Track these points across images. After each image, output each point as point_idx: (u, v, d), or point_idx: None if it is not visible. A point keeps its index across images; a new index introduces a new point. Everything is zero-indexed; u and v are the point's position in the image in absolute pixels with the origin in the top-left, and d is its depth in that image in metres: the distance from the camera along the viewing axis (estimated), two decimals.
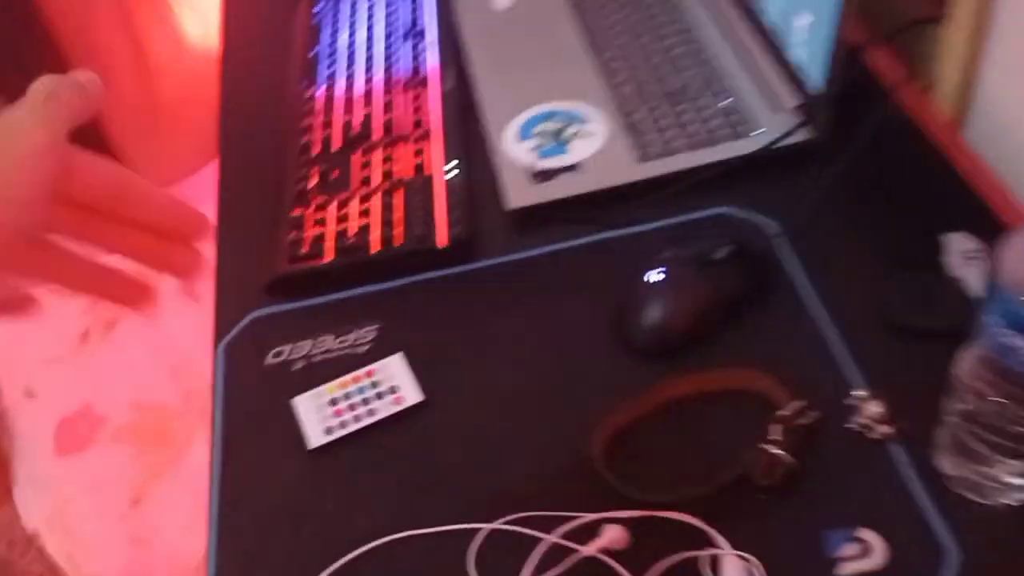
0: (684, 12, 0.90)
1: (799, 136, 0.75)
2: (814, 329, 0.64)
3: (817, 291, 0.66)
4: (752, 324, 0.65)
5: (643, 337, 0.64)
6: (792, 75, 0.77)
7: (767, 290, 0.67)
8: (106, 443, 0.98)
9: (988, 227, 0.65)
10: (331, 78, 0.90)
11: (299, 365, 0.69)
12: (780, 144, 0.75)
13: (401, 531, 0.58)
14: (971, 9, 0.67)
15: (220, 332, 0.72)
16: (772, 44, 0.80)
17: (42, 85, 0.38)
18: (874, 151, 0.71)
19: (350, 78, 0.89)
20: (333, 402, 0.65)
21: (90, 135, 1.14)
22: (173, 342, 1.06)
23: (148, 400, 1.01)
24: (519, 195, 0.76)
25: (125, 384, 1.04)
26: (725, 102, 0.79)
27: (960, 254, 0.64)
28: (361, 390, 0.66)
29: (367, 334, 0.70)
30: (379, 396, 0.65)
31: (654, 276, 0.65)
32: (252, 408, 0.67)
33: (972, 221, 0.67)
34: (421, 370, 0.66)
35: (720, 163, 0.75)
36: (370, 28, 0.95)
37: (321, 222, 0.75)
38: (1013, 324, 0.45)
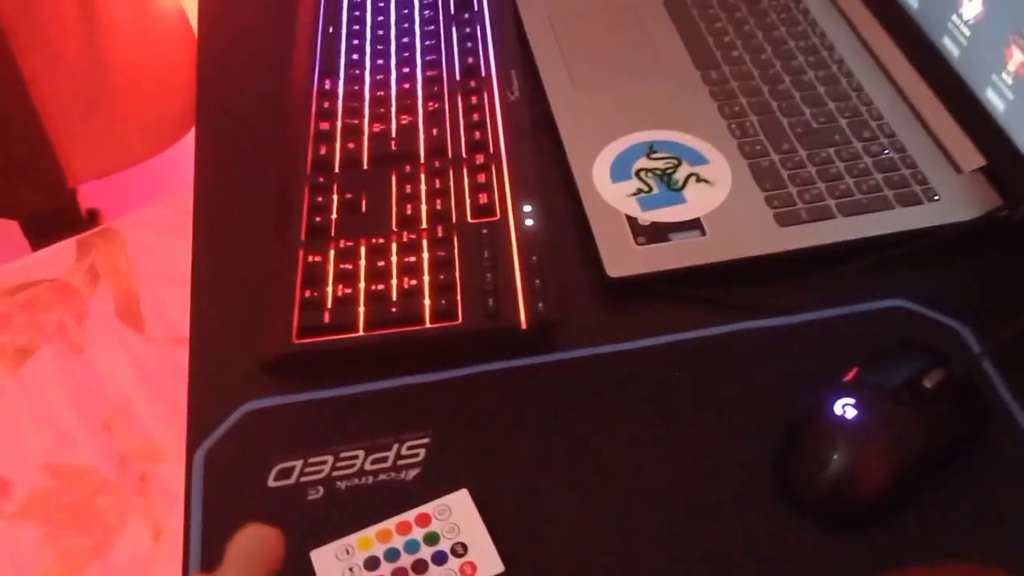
0: (815, 21, 0.71)
1: (993, 212, 0.57)
2: None
3: None
4: (959, 477, 0.47)
5: (827, 496, 0.45)
6: (981, 128, 0.59)
7: (985, 428, 0.49)
8: (9, 520, 0.74)
9: None
10: (355, 67, 0.67)
11: (316, 493, 0.47)
12: (970, 223, 0.56)
13: None
14: None
15: (195, 429, 0.50)
16: (952, 83, 0.62)
17: (242, 548, 0.37)
18: None
19: (381, 70, 0.67)
20: (371, 564, 0.44)
21: (20, 107, 0.91)
22: (104, 385, 0.82)
23: (68, 463, 0.78)
24: (620, 260, 0.56)
25: (37, 438, 0.80)
26: (885, 153, 0.61)
27: None
28: (412, 546, 0.45)
29: (414, 451, 0.49)
30: (438, 559, 0.44)
31: (842, 409, 0.46)
32: None
33: None
34: (494, 516, 0.46)
35: (888, 239, 0.56)
36: (405, 2, 0.73)
37: (348, 277, 0.54)
38: None
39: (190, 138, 0.99)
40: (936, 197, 0.58)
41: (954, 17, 0.61)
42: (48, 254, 0.95)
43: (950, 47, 0.62)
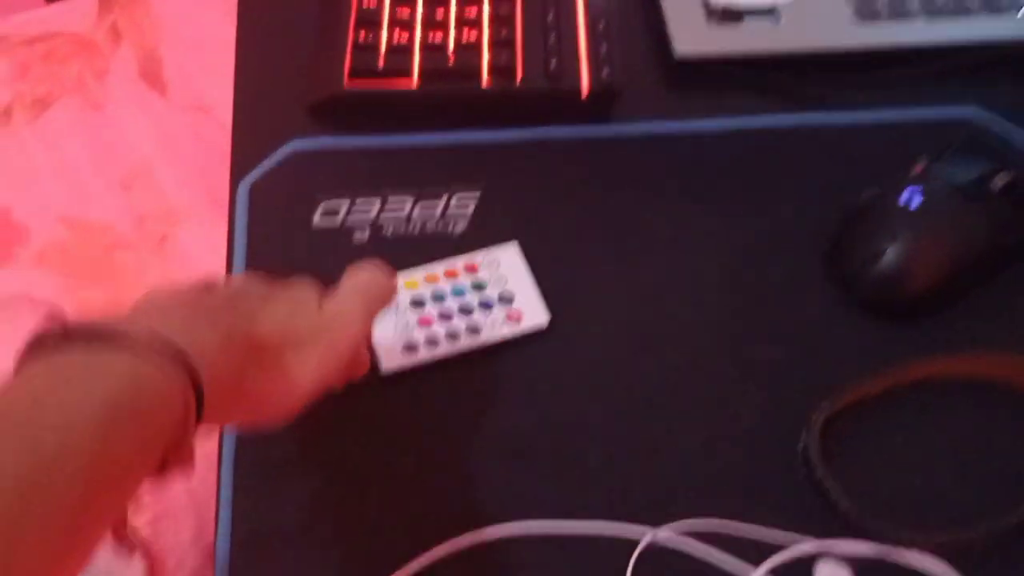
0: None
1: None
2: None
3: None
4: (1019, 285, 0.46)
5: (881, 285, 0.45)
6: None
7: None
8: (26, 264, 0.74)
9: None
10: None
11: (363, 234, 0.46)
12: None
13: (517, 519, 0.39)
14: None
15: (240, 164, 0.49)
16: None
17: (359, 280, 0.37)
18: None
19: None
20: (417, 303, 0.44)
21: None
22: (124, 145, 0.80)
23: (86, 217, 0.76)
24: (689, 39, 0.53)
25: (56, 189, 0.79)
26: None
27: None
28: (458, 291, 0.44)
29: (464, 203, 0.48)
30: (485, 305, 0.44)
31: (909, 199, 0.45)
32: None
33: None
34: (543, 273, 0.45)
35: (972, 47, 0.54)
36: None
37: (405, 24, 0.51)
38: None
39: None
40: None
41: None
42: (68, 7, 0.91)
43: None
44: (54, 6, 0.92)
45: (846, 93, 0.53)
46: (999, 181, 0.46)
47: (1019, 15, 0.55)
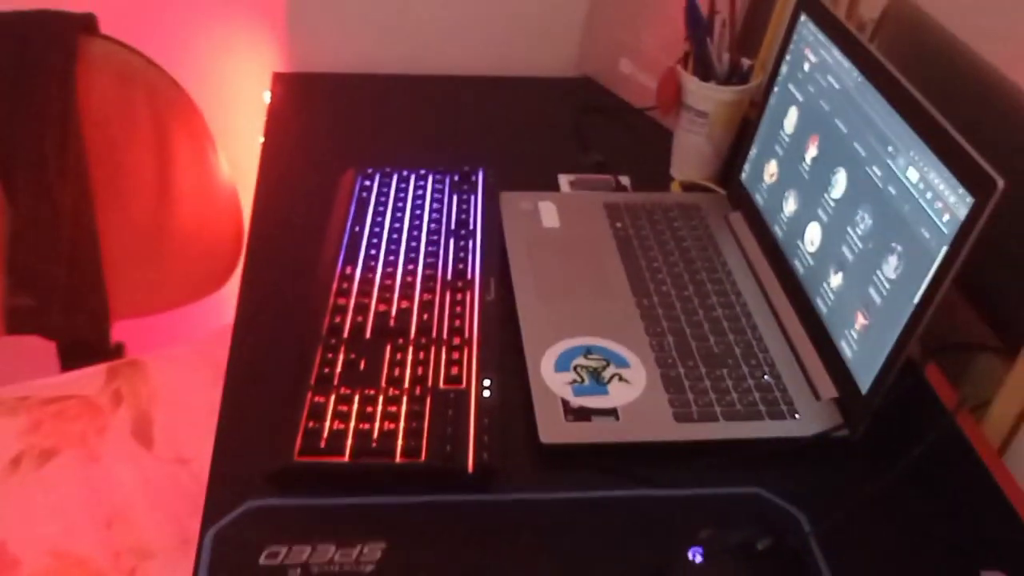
0: (730, 271, 0.91)
1: (837, 433, 0.75)
2: None
3: None
4: None
5: None
6: (837, 368, 0.78)
7: None
8: None
9: None
10: (371, 260, 0.87)
11: (295, 573, 0.62)
12: (820, 438, 0.74)
13: None
14: None
15: (209, 516, 0.65)
16: (820, 331, 0.82)
17: None
18: (920, 464, 0.71)
19: (391, 264, 0.87)
20: None
21: (89, 252, 1.10)
22: (112, 490, 0.97)
23: (71, 550, 0.91)
24: (552, 430, 0.73)
25: (48, 526, 0.94)
26: (764, 378, 0.79)
27: None
28: None
29: (372, 552, 0.64)
30: None
31: (692, 556, 0.62)
32: None
33: (1013, 559, 0.66)
34: None
35: (755, 442, 0.74)
36: (417, 215, 0.94)
37: (344, 416, 0.71)
38: None
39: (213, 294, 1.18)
40: (797, 415, 0.76)
41: (825, 285, 0.82)
42: (81, 374, 1.12)
43: (821, 305, 0.82)
44: (71, 374, 1.13)
45: (667, 474, 0.72)
46: (762, 544, 0.63)
47: (791, 420, 0.76)
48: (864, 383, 0.74)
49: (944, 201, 0.67)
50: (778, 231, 0.91)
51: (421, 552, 0.65)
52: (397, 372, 0.75)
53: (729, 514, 0.69)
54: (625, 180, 1.06)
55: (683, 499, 0.71)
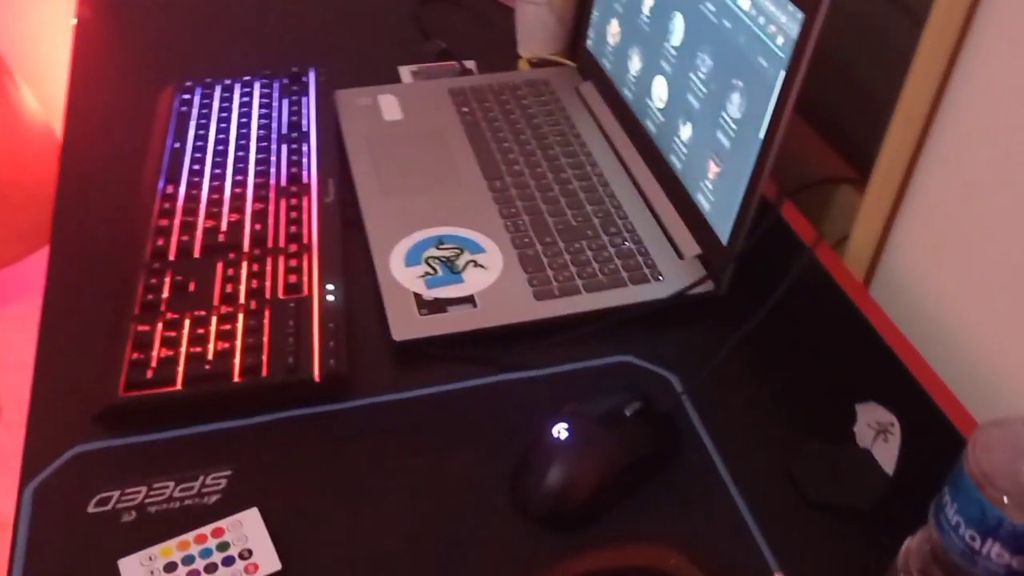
0: (584, 143, 0.87)
1: (702, 287, 0.72)
2: (724, 499, 0.59)
3: (724, 458, 0.62)
4: (658, 491, 0.59)
5: (544, 503, 0.57)
6: (697, 223, 0.75)
7: (675, 454, 0.62)
8: None
9: (903, 396, 0.63)
10: (195, 176, 0.80)
11: (130, 516, 0.56)
12: (683, 295, 0.71)
13: None
14: (891, 169, 0.67)
15: (29, 469, 0.59)
16: (677, 189, 0.78)
17: None
18: (783, 308, 0.69)
19: (218, 178, 0.80)
20: (170, 567, 0.53)
21: None
22: None
23: None
24: (405, 327, 0.68)
25: None
26: (625, 244, 0.76)
27: (871, 425, 0.62)
28: (206, 552, 0.54)
29: (217, 481, 0.59)
30: (227, 562, 0.54)
31: (557, 432, 0.58)
32: (64, 568, 0.54)
33: (886, 388, 0.65)
34: (280, 530, 0.56)
35: (620, 309, 0.70)
36: (244, 124, 0.86)
37: (172, 342, 0.64)
38: (975, 523, 0.41)
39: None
40: (660, 277, 0.73)
41: (676, 139, 0.78)
42: None
43: (675, 161, 0.78)
44: None
45: (533, 356, 0.68)
46: (629, 409, 0.60)
47: (656, 282, 0.72)
48: (723, 233, 0.71)
49: (776, 23, 0.63)
50: (628, 93, 0.87)
51: (271, 474, 0.60)
52: (230, 288, 0.69)
53: (599, 387, 0.66)
54: (471, 65, 0.99)
55: (550, 378, 0.67)
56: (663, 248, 0.76)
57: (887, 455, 0.60)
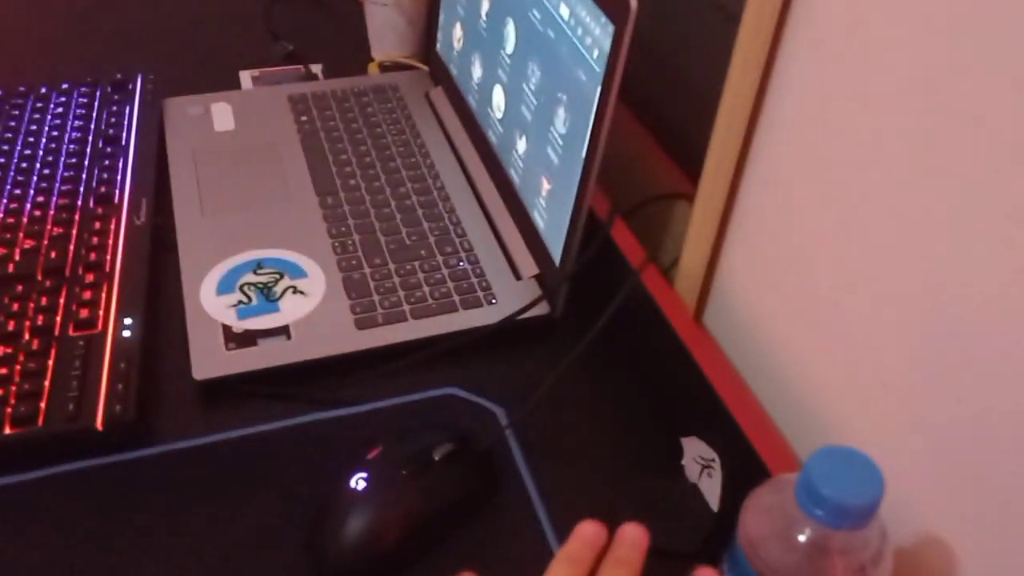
0: (428, 154, 0.82)
1: (536, 311, 0.68)
2: (539, 544, 0.55)
3: (544, 498, 0.58)
4: (470, 536, 0.55)
5: (339, 560, 0.52)
6: (534, 242, 0.71)
7: (490, 497, 0.57)
8: None
9: (726, 431, 0.60)
10: None
11: None
12: (515, 319, 0.67)
13: None
14: (715, 187, 0.64)
15: None
16: (517, 205, 0.74)
17: None
18: (614, 336, 0.65)
19: (17, 200, 0.73)
20: None
21: None
22: None
23: None
24: (207, 364, 0.62)
25: None
26: (460, 265, 0.71)
27: (696, 460, 0.58)
28: None
29: None
30: None
31: (355, 482, 0.54)
32: None
33: (710, 423, 0.61)
34: None
35: (447, 337, 0.66)
36: (55, 138, 0.79)
37: None
38: None
39: None
40: (494, 300, 0.69)
41: (514, 153, 0.74)
42: None
43: (514, 176, 0.74)
44: None
45: (352, 391, 0.63)
46: (440, 452, 0.56)
47: (488, 306, 0.68)
48: (556, 253, 0.67)
49: (592, 35, 0.59)
50: (472, 101, 0.82)
51: (44, 538, 0.54)
52: (12, 326, 0.63)
53: (419, 424, 0.61)
54: (317, 68, 0.94)
55: (368, 415, 0.62)
56: (500, 269, 0.71)
57: (712, 491, 0.57)
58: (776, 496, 0.38)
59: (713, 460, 0.57)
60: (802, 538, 0.36)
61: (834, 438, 0.57)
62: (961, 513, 0.49)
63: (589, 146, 0.60)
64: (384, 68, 0.94)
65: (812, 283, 0.58)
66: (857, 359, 0.55)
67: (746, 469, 0.57)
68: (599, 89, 0.58)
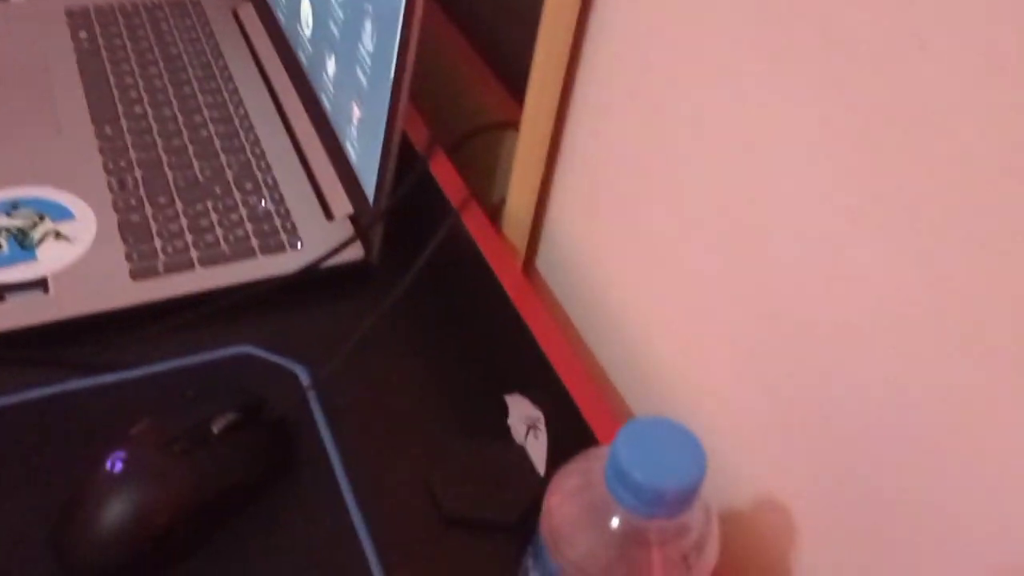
0: (232, 78, 0.72)
1: (349, 255, 0.60)
2: (340, 523, 0.48)
3: (351, 469, 0.50)
4: (258, 521, 0.47)
5: (90, 557, 0.44)
6: (348, 177, 0.63)
7: (284, 471, 0.50)
8: None
9: (550, 387, 0.54)
10: None
11: None
12: (322, 265, 0.59)
13: None
14: (539, 115, 0.56)
15: None
16: (330, 135, 0.65)
17: None
18: (435, 284, 0.58)
19: None
20: None
21: None
22: None
23: None
24: None
25: None
26: (262, 205, 0.62)
27: (522, 420, 0.52)
28: None
29: None
30: None
31: (111, 464, 0.45)
32: None
33: (534, 378, 0.55)
34: None
35: (242, 287, 0.57)
36: None
37: None
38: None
39: None
40: (300, 244, 0.60)
41: (324, 75, 0.64)
42: None
43: (326, 102, 0.65)
44: None
45: (124, 353, 0.54)
46: (219, 423, 0.47)
47: (292, 251, 0.59)
48: (370, 190, 0.59)
49: None
50: (281, 16, 0.72)
51: None
52: None
53: (205, 389, 0.53)
54: None
55: (140, 381, 0.53)
56: (310, 208, 0.63)
57: (538, 453, 0.51)
58: (583, 478, 0.32)
59: (538, 419, 0.51)
60: (613, 527, 0.30)
61: (672, 395, 0.52)
62: (800, 475, 0.44)
63: (397, 65, 0.52)
64: None
65: (647, 225, 0.52)
66: (697, 311, 0.49)
67: (571, 430, 0.51)
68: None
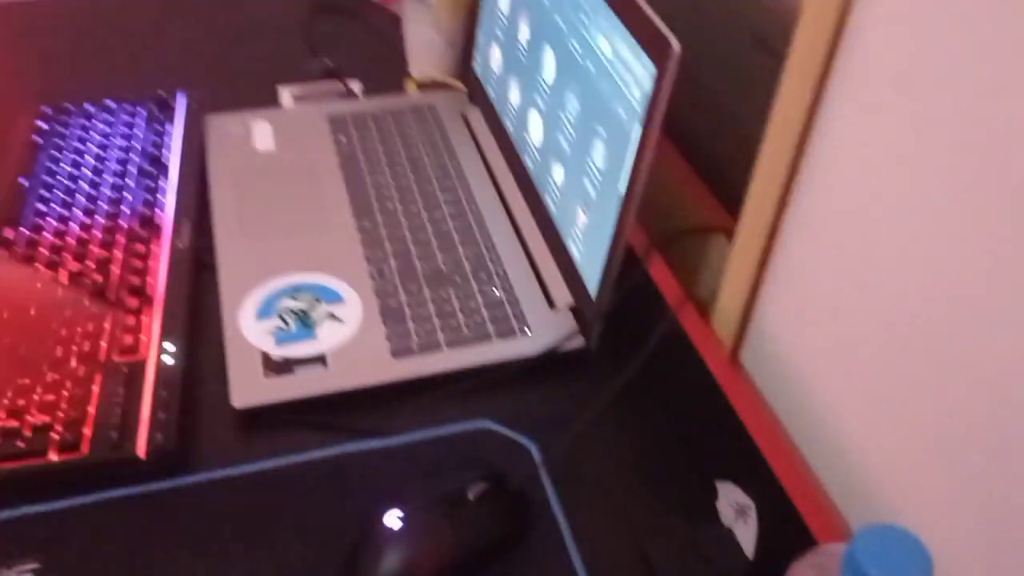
0: (464, 176, 0.82)
1: (572, 344, 0.68)
2: None
3: (578, 538, 0.58)
4: None
5: None
6: (569, 272, 0.71)
7: (525, 535, 0.58)
8: None
9: (761, 479, 0.60)
10: (40, 218, 0.74)
11: None
12: (551, 352, 0.67)
13: None
14: (756, 225, 0.63)
15: None
16: (553, 233, 0.74)
17: None
18: (650, 373, 0.65)
19: (64, 221, 0.74)
20: None
21: None
22: None
23: None
24: (246, 392, 0.63)
25: None
26: (495, 293, 0.72)
27: (731, 505, 0.58)
28: None
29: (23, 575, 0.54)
30: None
31: (390, 521, 0.54)
32: None
33: (745, 466, 0.61)
34: None
35: (482, 369, 0.66)
36: (101, 158, 0.81)
37: None
38: None
39: None
40: (528, 331, 0.69)
41: (551, 181, 0.74)
42: None
43: (551, 204, 0.74)
44: None
45: (387, 422, 0.64)
46: (473, 491, 0.56)
47: (524, 337, 0.68)
48: (592, 286, 0.67)
49: (633, 73, 0.59)
50: (509, 125, 0.82)
51: (82, 565, 0.55)
52: (61, 352, 0.64)
53: (452, 457, 0.62)
54: (356, 85, 0.94)
55: (401, 448, 0.63)
56: (535, 298, 0.72)
57: (747, 537, 0.57)
58: (818, 572, 0.38)
59: (749, 508, 0.57)
60: None
61: (878, 499, 0.57)
62: None
63: (629, 185, 0.60)
64: (422, 86, 0.95)
65: (855, 332, 0.57)
66: (903, 420, 0.54)
67: (782, 521, 0.57)
68: (639, 128, 0.58)
